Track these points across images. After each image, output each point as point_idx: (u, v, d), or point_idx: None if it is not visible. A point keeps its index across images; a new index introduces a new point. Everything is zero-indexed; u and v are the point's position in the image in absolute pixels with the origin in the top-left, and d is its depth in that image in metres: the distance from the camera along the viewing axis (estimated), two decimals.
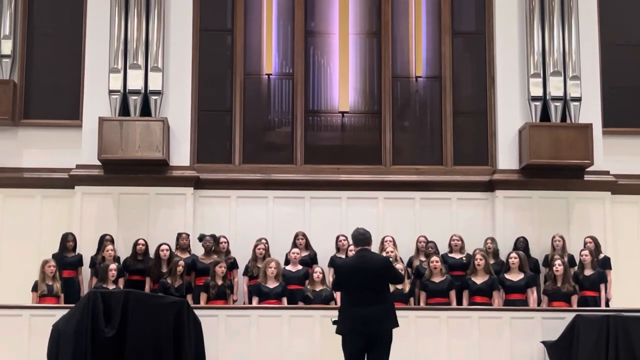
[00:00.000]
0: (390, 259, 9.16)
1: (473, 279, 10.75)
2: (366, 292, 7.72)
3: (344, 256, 11.19)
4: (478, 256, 10.81)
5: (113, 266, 10.68)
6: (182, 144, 12.54)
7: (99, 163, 12.27)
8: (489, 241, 11.85)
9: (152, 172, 12.38)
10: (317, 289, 10.62)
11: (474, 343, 10.02)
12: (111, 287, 10.39)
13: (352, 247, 10.92)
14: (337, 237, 11.70)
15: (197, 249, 11.77)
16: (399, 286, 10.47)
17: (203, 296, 10.60)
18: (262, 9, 13.12)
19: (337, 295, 10.71)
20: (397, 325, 7.86)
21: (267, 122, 13.15)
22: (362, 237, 8.02)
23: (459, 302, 10.73)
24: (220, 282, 10.61)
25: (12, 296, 11.41)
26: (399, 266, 10.65)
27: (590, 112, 12.56)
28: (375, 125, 13.07)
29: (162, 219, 12.27)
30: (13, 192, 12.64)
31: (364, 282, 7.73)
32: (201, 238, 11.55)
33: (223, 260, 10.88)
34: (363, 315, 7.66)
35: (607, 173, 12.62)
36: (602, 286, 11.08)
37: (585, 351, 9.58)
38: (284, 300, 10.54)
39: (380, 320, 7.72)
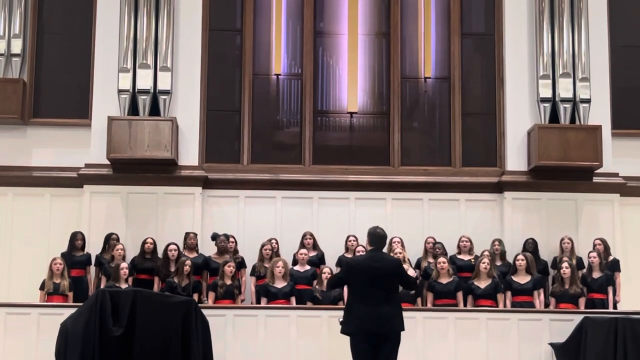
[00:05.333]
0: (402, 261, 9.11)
1: (476, 283, 10.74)
2: (377, 292, 7.69)
3: (351, 256, 11.19)
4: (485, 260, 10.80)
5: (124, 265, 10.69)
6: (191, 143, 12.56)
7: (108, 162, 12.29)
8: (496, 243, 11.83)
9: (160, 171, 12.40)
10: (326, 290, 10.61)
11: (481, 344, 10.02)
12: (124, 286, 10.40)
13: (360, 248, 10.96)
14: (347, 238, 11.70)
15: (205, 249, 11.78)
16: None
17: (211, 295, 10.63)
18: (271, 9, 13.13)
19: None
20: (404, 328, 7.84)
21: (275, 122, 13.16)
22: (379, 238, 7.97)
23: (466, 304, 10.72)
24: (228, 282, 10.63)
25: (21, 294, 11.47)
26: (405, 267, 10.66)
27: (599, 113, 12.53)
28: (383, 125, 13.06)
29: (171, 219, 12.29)
30: (22, 190, 12.67)
31: (375, 281, 7.71)
32: (214, 237, 11.56)
33: (232, 260, 10.90)
34: (374, 314, 7.64)
35: (616, 175, 12.59)
36: (610, 289, 11.05)
37: (593, 353, 9.56)
38: (292, 300, 10.56)
39: (390, 321, 7.70)
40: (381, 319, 7.63)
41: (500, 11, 13.02)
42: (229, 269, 10.65)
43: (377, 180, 12.74)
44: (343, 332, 7.84)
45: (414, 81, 13.20)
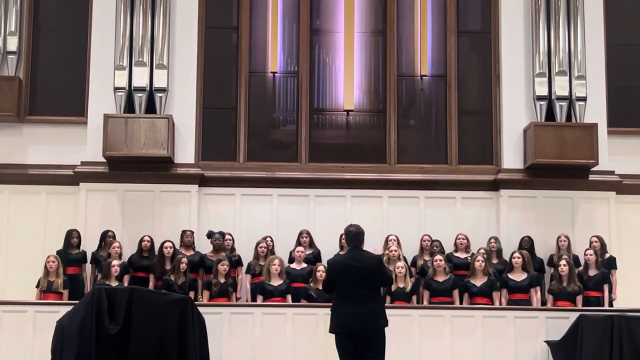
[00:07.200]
0: (383, 258, 9.07)
1: (472, 281, 10.75)
2: (359, 291, 7.72)
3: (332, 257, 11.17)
4: (480, 258, 10.81)
5: (115, 262, 10.68)
6: (187, 141, 12.55)
7: (104, 160, 12.28)
8: (492, 240, 11.84)
9: (157, 169, 12.39)
10: (321, 287, 10.60)
11: (477, 342, 10.03)
12: (114, 283, 10.40)
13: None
14: (341, 236, 11.68)
15: (202, 247, 11.78)
16: (401, 285, 10.49)
17: (205, 294, 10.63)
18: (267, 6, 13.12)
19: None
20: (387, 324, 7.86)
21: (272, 120, 13.16)
22: (354, 236, 8.00)
23: (462, 302, 10.73)
24: (222, 280, 10.63)
25: (17, 292, 11.47)
26: (400, 264, 10.68)
27: (595, 111, 12.54)
28: (380, 123, 13.06)
29: (167, 217, 12.28)
30: (18, 188, 12.67)
31: (356, 280, 7.73)
32: (210, 235, 11.56)
33: (225, 258, 10.89)
34: (356, 313, 7.67)
35: (612, 173, 12.60)
36: (606, 286, 11.07)
37: (589, 351, 9.58)
38: (288, 297, 10.57)
39: (373, 319, 7.72)
40: (364, 317, 7.66)
41: (496, 9, 13.03)
42: (223, 267, 10.65)
43: (374, 178, 12.74)
44: (330, 331, 7.88)
45: (410, 79, 13.20)
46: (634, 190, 12.77)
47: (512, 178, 12.60)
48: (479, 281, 10.71)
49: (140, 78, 12.26)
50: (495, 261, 11.61)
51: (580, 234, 12.16)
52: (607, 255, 11.69)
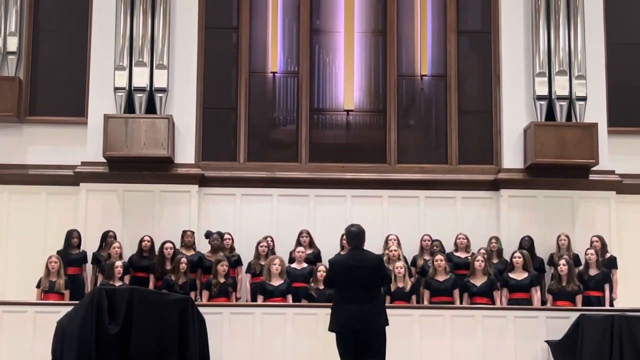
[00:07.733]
0: (384, 258, 9.09)
1: (472, 280, 10.75)
2: (359, 290, 7.75)
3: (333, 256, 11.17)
4: (479, 257, 10.80)
5: (119, 263, 10.70)
6: (187, 141, 12.55)
7: (104, 160, 12.28)
8: (493, 240, 11.84)
9: (157, 169, 12.39)
10: (321, 287, 10.61)
11: (477, 342, 10.04)
12: (117, 284, 10.41)
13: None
14: (342, 236, 11.68)
15: (202, 246, 11.78)
16: (400, 284, 10.49)
17: (205, 294, 10.63)
18: (267, 6, 13.12)
19: None
20: (388, 323, 7.89)
21: (272, 120, 13.16)
22: (355, 236, 8.01)
23: (462, 301, 10.72)
24: (222, 280, 10.62)
25: (17, 293, 11.48)
26: (399, 264, 10.68)
27: (595, 111, 12.54)
28: (380, 123, 13.06)
29: (167, 217, 12.28)
30: (18, 188, 12.67)
31: (357, 279, 7.76)
32: (208, 235, 11.56)
33: (224, 259, 10.89)
34: (356, 312, 7.69)
35: (612, 172, 12.60)
36: (607, 286, 11.06)
37: (589, 351, 9.58)
38: (289, 297, 10.57)
39: (373, 318, 7.76)
40: (364, 316, 7.69)
41: (496, 9, 13.03)
42: (222, 267, 10.64)
43: (374, 178, 12.75)
44: (330, 329, 7.90)
45: (410, 79, 13.20)
46: (634, 190, 12.77)
47: (512, 178, 12.60)
48: (478, 281, 10.71)
49: (140, 78, 12.26)
50: (495, 261, 11.61)
51: (580, 234, 12.16)
52: (608, 255, 11.69)
